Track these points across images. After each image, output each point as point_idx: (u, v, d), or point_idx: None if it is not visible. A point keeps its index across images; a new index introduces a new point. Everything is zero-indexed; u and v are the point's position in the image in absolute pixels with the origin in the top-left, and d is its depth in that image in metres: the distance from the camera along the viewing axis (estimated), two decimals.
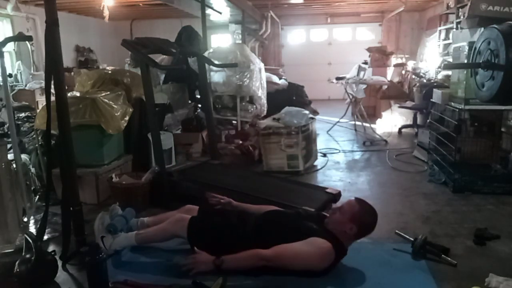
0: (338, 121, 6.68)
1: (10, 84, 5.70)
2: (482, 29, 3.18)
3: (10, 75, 6.44)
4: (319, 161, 4.70)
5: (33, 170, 3.41)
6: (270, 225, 2.31)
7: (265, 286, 2.12)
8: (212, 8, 7.32)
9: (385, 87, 7.34)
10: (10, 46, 7.21)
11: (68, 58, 8.97)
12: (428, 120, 4.80)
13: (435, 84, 5.60)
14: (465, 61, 3.49)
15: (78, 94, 3.78)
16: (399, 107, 6.46)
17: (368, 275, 2.20)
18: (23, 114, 4.56)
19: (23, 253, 2.18)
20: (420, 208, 3.22)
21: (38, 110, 4.36)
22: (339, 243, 2.19)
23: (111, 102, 3.53)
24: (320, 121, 6.44)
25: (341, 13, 11.09)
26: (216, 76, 4.99)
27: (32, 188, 3.15)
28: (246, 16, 8.36)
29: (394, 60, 8.72)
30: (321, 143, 5.49)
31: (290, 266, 2.11)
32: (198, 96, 5.13)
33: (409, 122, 6.34)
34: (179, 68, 4.89)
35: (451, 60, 5.07)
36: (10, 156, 2.74)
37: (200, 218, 2.41)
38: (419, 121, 6.12)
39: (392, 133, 6.18)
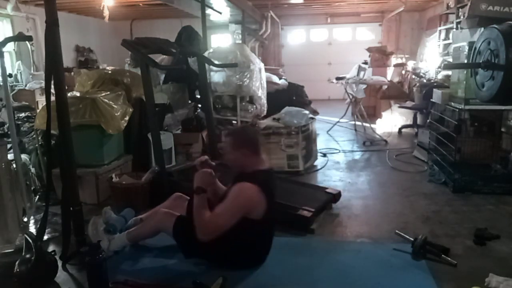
0: (338, 121, 6.68)
1: (10, 84, 5.70)
2: (482, 29, 3.18)
3: (10, 75, 6.44)
4: (319, 161, 4.70)
5: (33, 170, 3.41)
6: None
7: (264, 286, 2.12)
8: (212, 8, 7.32)
9: (385, 87, 7.34)
10: (10, 46, 7.21)
11: (68, 58, 8.96)
12: (428, 120, 4.81)
13: (435, 84, 5.60)
14: (465, 61, 3.49)
15: (78, 94, 3.78)
16: (399, 107, 6.46)
17: (368, 275, 2.20)
18: (23, 114, 4.56)
19: (23, 253, 2.18)
20: (420, 208, 3.22)
21: (38, 110, 4.36)
22: (250, 174, 2.19)
23: (111, 102, 3.53)
24: (320, 121, 6.44)
25: (341, 13, 11.08)
26: (216, 76, 4.99)
27: (32, 188, 3.16)
28: (246, 16, 8.36)
29: (394, 60, 8.72)
30: (321, 143, 5.49)
31: (227, 221, 2.10)
32: (198, 96, 5.13)
33: (409, 122, 6.34)
34: (179, 68, 4.89)
35: (451, 60, 5.07)
36: (10, 156, 2.75)
37: (186, 218, 2.35)
38: (419, 121, 6.12)
39: (392, 133, 6.18)
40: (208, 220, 2.10)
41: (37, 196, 3.29)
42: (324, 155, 5.00)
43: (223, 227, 2.10)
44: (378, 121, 6.75)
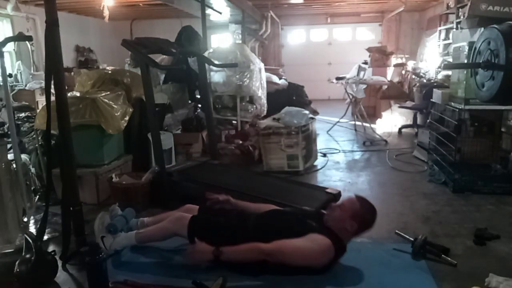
0: (338, 121, 6.68)
1: (10, 84, 5.70)
2: (482, 29, 3.18)
3: (10, 75, 6.44)
4: (319, 161, 4.70)
5: (33, 170, 3.41)
6: (269, 224, 2.31)
7: (265, 286, 2.12)
8: (212, 8, 7.32)
9: (385, 87, 7.34)
10: (10, 46, 7.21)
11: (68, 58, 8.96)
12: (428, 120, 4.80)
13: (435, 84, 5.59)
14: (465, 61, 3.49)
15: (78, 94, 3.78)
16: (399, 107, 6.46)
17: (368, 275, 2.20)
18: (23, 114, 4.55)
19: (23, 253, 2.18)
20: (420, 208, 3.22)
21: (38, 110, 4.36)
22: (338, 240, 2.19)
23: (111, 102, 3.53)
24: (320, 121, 6.44)
25: (341, 13, 11.09)
26: (216, 76, 4.99)
27: (32, 188, 3.15)
28: (246, 16, 8.36)
29: (394, 60, 8.72)
30: (321, 143, 5.49)
31: (289, 261, 2.11)
32: (198, 96, 5.13)
33: (409, 122, 6.34)
34: (179, 68, 4.89)
35: (451, 60, 5.07)
36: (10, 156, 2.74)
37: (200, 217, 2.41)
38: (419, 121, 6.12)
39: (392, 133, 6.18)
40: (269, 252, 2.09)
41: (37, 196, 3.28)
42: (324, 155, 5.00)
43: (281, 261, 2.10)
44: (378, 121, 6.75)
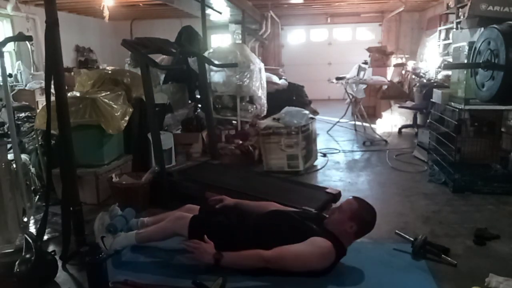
0: (338, 121, 6.68)
1: (10, 84, 5.69)
2: (482, 29, 3.18)
3: (10, 75, 6.43)
4: (319, 161, 4.70)
5: (33, 170, 3.41)
6: (270, 226, 2.31)
7: (265, 286, 2.12)
8: (212, 8, 7.31)
9: (385, 87, 7.34)
10: (10, 46, 7.20)
11: (68, 58, 8.96)
12: (428, 120, 4.80)
13: (435, 84, 5.60)
14: (465, 61, 3.49)
15: (78, 94, 3.78)
16: (399, 107, 6.46)
17: (368, 275, 2.20)
18: (23, 114, 4.55)
19: (23, 253, 2.18)
20: (420, 208, 3.22)
21: (38, 110, 4.35)
22: (339, 242, 2.19)
23: (111, 102, 3.53)
24: (320, 121, 6.44)
25: (341, 13, 11.08)
26: (216, 76, 4.99)
27: (32, 188, 3.16)
28: (246, 16, 8.36)
29: (394, 60, 8.72)
30: (321, 143, 5.49)
31: (290, 267, 2.11)
32: (198, 96, 5.13)
33: (409, 122, 6.34)
34: (179, 68, 4.89)
35: (451, 60, 5.07)
36: (10, 156, 2.74)
37: (201, 217, 2.41)
38: (419, 121, 6.12)
39: (392, 133, 6.19)
40: (270, 259, 2.08)
41: (37, 196, 3.29)
42: (324, 155, 5.00)
43: (283, 267, 2.10)
44: (378, 121, 6.76)
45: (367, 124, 6.20)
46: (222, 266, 2.10)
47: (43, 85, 3.80)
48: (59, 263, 2.30)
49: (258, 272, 2.14)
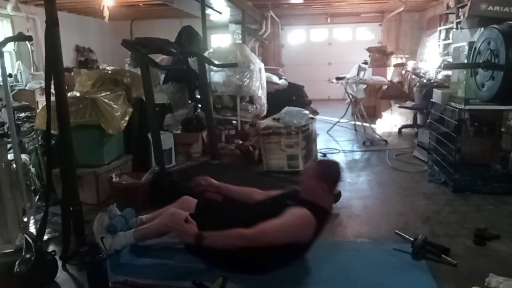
0: (338, 121, 6.68)
1: (10, 84, 5.70)
2: (482, 29, 3.18)
3: (10, 75, 6.43)
4: None
5: (33, 170, 3.41)
6: (254, 217, 2.29)
7: (264, 286, 2.12)
8: (212, 8, 7.32)
9: (385, 87, 7.34)
10: (10, 46, 7.20)
11: (68, 58, 8.96)
12: (428, 120, 4.80)
13: (435, 84, 5.59)
14: (465, 61, 3.49)
15: (78, 94, 3.78)
16: (399, 107, 6.46)
17: (368, 275, 2.20)
18: (23, 114, 4.55)
19: (23, 253, 2.18)
20: (420, 208, 3.22)
21: (38, 110, 4.35)
22: (317, 207, 2.22)
23: (111, 102, 3.53)
24: (320, 121, 6.44)
25: (341, 13, 11.08)
26: (216, 76, 4.99)
27: (32, 188, 3.15)
28: (246, 16, 8.36)
29: (394, 60, 8.72)
30: (321, 143, 5.49)
31: (273, 241, 2.10)
32: (198, 96, 5.13)
33: (409, 122, 6.34)
34: (179, 68, 4.89)
35: (451, 60, 5.07)
36: (10, 156, 2.74)
37: (196, 216, 2.39)
38: (419, 121, 6.12)
39: (392, 133, 6.19)
40: (251, 237, 2.07)
41: (37, 196, 3.29)
42: (324, 155, 4.99)
43: (267, 244, 2.09)
44: (378, 121, 6.76)
45: (367, 124, 6.20)
46: (204, 246, 2.09)
47: (43, 85, 3.80)
48: (59, 263, 2.30)
49: (240, 252, 2.12)
